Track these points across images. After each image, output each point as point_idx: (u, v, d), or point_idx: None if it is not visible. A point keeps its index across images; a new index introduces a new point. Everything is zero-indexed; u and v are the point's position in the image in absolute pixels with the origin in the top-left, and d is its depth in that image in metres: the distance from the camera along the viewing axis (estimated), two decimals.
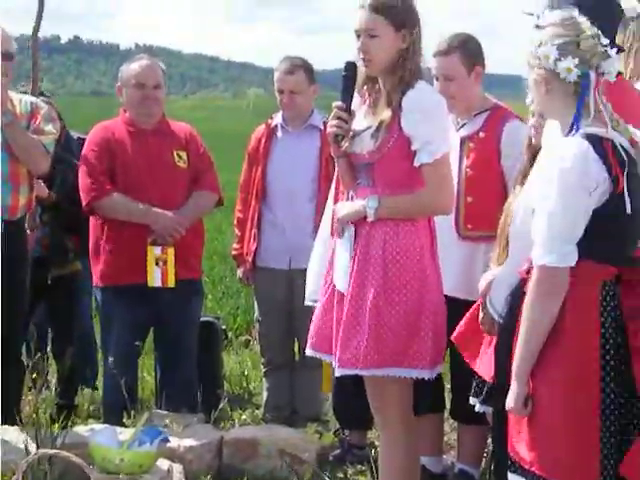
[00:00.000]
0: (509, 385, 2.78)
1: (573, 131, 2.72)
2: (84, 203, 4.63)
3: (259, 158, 4.98)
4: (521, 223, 3.05)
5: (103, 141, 4.66)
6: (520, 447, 2.76)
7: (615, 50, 2.80)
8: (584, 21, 2.78)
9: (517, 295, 2.87)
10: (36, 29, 5.19)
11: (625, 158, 2.69)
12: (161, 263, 4.52)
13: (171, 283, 4.54)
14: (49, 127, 4.55)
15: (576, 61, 2.71)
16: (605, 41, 2.77)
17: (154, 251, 4.52)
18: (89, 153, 4.66)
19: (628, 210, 2.66)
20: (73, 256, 5.13)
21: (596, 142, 2.67)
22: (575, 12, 2.81)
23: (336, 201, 3.54)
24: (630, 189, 2.66)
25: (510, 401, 2.76)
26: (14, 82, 4.83)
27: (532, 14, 2.94)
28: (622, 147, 2.70)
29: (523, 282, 2.82)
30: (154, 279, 4.53)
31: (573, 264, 2.68)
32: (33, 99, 4.69)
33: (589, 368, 2.68)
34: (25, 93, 4.97)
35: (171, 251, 4.53)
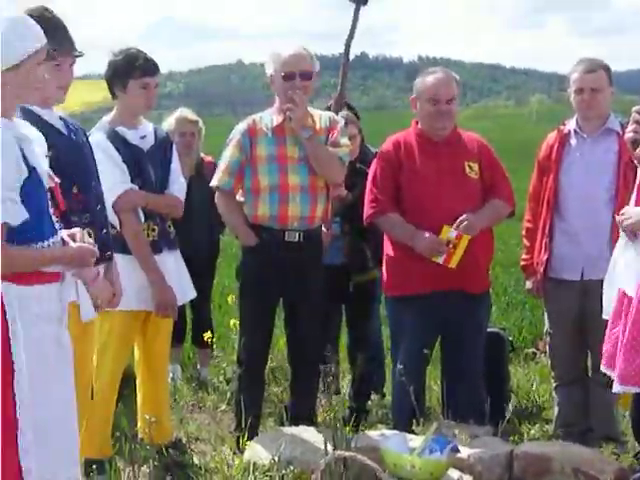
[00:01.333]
0: None
1: None
2: (365, 216, 4.76)
3: (551, 166, 4.86)
4: None
5: (391, 156, 4.73)
6: None
7: None
8: None
9: None
10: (348, 44, 5.33)
11: None
12: (451, 245, 4.54)
13: (453, 264, 4.54)
14: (345, 140, 4.72)
15: None
16: None
17: (448, 233, 4.54)
18: (377, 169, 4.76)
19: None
20: (372, 264, 5.27)
21: None
22: None
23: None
24: None
25: None
26: (312, 99, 5.02)
27: None
28: None
29: None
30: (439, 255, 4.55)
31: None
32: (331, 114, 4.88)
33: None
34: (328, 108, 5.19)
35: (465, 238, 4.53)
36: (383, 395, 5.63)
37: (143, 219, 4.39)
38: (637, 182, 3.47)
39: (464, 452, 4.08)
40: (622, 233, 3.87)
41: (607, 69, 4.81)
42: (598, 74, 4.76)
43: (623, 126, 4.63)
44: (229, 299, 6.23)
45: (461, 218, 4.54)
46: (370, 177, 4.79)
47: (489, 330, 5.14)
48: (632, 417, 4.40)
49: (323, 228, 4.87)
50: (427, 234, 4.54)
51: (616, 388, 3.17)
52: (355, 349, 5.45)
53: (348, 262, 5.21)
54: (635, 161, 3.27)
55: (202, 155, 6.24)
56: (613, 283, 3.85)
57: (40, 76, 3.04)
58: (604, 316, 3.75)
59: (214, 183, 4.75)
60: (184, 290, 4.58)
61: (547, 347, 5.17)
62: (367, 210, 4.74)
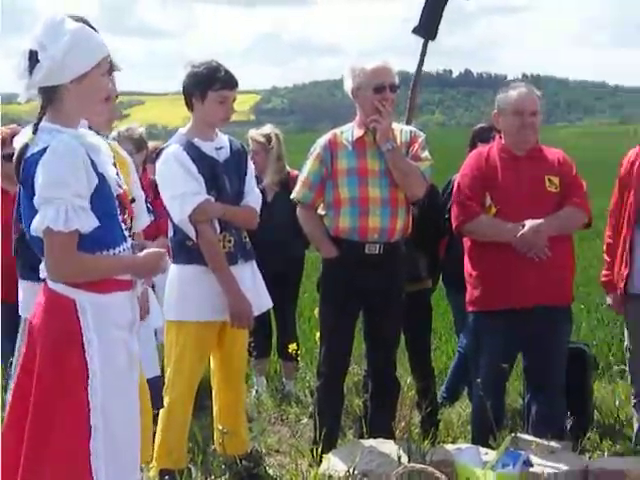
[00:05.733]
0: None
1: None
2: (454, 226, 4.78)
3: (632, 182, 4.84)
4: None
5: (476, 167, 4.77)
6: None
7: None
8: None
9: None
10: (418, 74, 5.43)
11: None
12: None
13: None
14: (425, 154, 4.75)
15: None
16: None
17: None
18: (462, 179, 4.80)
19: None
20: (424, 274, 5.30)
21: None
22: None
23: None
24: None
25: None
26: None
27: None
28: None
29: None
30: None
31: None
32: (412, 128, 4.93)
33: None
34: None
35: None
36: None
37: (219, 230, 4.42)
38: None
39: (539, 467, 4.07)
40: None
41: None
42: None
43: None
44: (316, 312, 6.30)
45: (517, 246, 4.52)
46: (455, 188, 4.83)
47: (573, 346, 5.10)
48: None
49: None
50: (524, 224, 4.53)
51: None
52: (413, 361, 5.45)
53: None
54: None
55: (289, 170, 6.32)
56: None
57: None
58: None
59: (294, 196, 4.83)
60: (260, 301, 4.60)
61: (627, 363, 5.11)
62: (456, 219, 4.75)
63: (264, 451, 5.04)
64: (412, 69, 6.07)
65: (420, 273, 5.29)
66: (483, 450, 4.22)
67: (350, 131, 4.76)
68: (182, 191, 4.29)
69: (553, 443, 4.41)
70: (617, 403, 5.74)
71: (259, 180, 5.68)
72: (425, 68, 5.95)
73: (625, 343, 5.11)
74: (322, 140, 4.78)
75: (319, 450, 4.51)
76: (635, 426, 5.03)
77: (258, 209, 4.61)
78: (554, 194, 4.67)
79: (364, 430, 4.79)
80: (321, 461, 4.38)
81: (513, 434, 4.33)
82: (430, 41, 5.50)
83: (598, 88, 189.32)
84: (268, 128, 6.35)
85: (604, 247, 5.12)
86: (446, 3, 5.79)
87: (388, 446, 4.38)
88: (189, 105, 4.45)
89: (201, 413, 4.98)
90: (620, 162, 5.00)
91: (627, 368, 5.20)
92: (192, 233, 4.36)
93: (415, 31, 5.54)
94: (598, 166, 20.89)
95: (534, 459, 4.14)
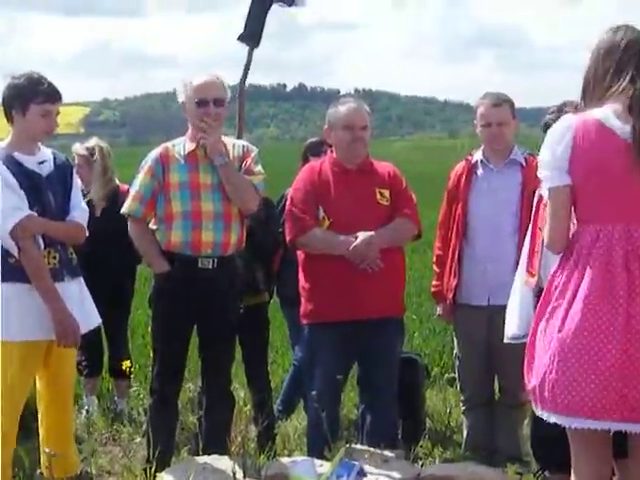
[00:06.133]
0: None
1: None
2: (288, 239, 4.79)
3: (459, 195, 5.01)
4: None
5: (309, 181, 4.80)
6: None
7: None
8: None
9: None
10: (242, 82, 5.45)
11: None
12: None
13: None
14: (258, 168, 4.75)
15: None
16: None
17: None
18: (295, 193, 4.82)
19: None
20: (263, 286, 5.31)
21: None
22: None
23: (533, 237, 3.50)
24: None
25: None
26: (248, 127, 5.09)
27: None
28: None
29: None
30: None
31: None
32: (245, 142, 4.92)
33: None
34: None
35: None
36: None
37: (43, 246, 4.29)
38: (532, 213, 3.61)
39: (372, 476, 4.12)
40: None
41: (511, 103, 5.00)
42: (503, 108, 4.95)
43: (526, 159, 4.90)
44: (149, 328, 6.19)
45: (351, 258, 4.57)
46: (289, 202, 4.84)
47: (404, 356, 5.21)
48: (530, 437, 4.54)
49: None
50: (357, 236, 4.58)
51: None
52: (253, 374, 5.44)
53: (240, 285, 5.20)
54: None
55: (118, 184, 6.20)
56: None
57: None
58: (505, 340, 3.88)
59: (124, 210, 4.74)
60: (88, 318, 4.49)
61: (456, 371, 5.27)
62: (290, 231, 4.76)
63: (95, 473, 4.89)
64: (253, 81, 6.07)
65: (258, 286, 5.28)
66: (318, 462, 4.23)
67: (182, 144, 4.71)
68: (2, 207, 4.13)
69: (386, 452, 4.47)
70: (448, 410, 5.91)
71: (84, 194, 5.56)
72: (259, 82, 6.02)
73: (455, 351, 5.27)
74: (153, 153, 4.71)
75: (152, 469, 4.41)
76: (464, 432, 5.19)
77: (84, 224, 4.49)
78: (385, 207, 4.75)
79: (199, 447, 4.73)
80: None
81: (347, 445, 4.37)
82: (255, 48, 5.53)
83: (428, 103, 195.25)
84: (93, 141, 6.24)
85: (434, 258, 5.26)
86: (269, 10, 5.84)
87: (223, 462, 4.33)
88: (9, 118, 4.31)
89: (27, 436, 4.78)
90: (448, 175, 5.16)
91: (457, 376, 5.35)
92: (14, 250, 4.21)
93: (240, 39, 5.56)
94: (429, 179, 21.54)
95: (368, 469, 4.19)
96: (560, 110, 4.21)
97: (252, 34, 5.57)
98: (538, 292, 4.05)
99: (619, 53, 3.15)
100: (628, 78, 3.11)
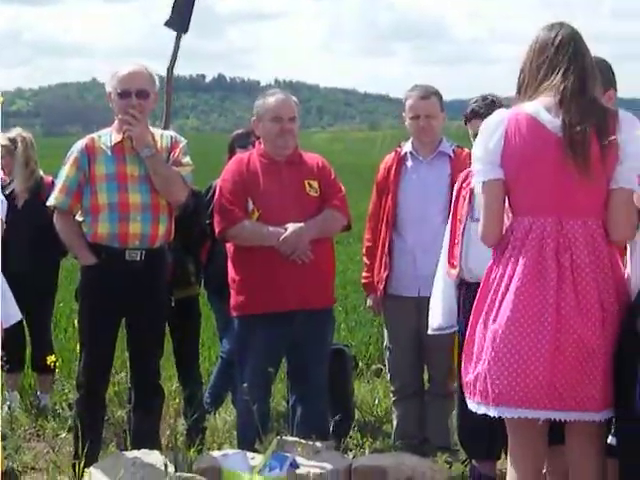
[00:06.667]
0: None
1: None
2: (217, 231, 4.76)
3: (389, 186, 5.03)
4: None
5: (237, 173, 4.78)
6: None
7: None
8: None
9: None
10: (170, 69, 5.38)
11: None
12: None
13: None
14: (187, 159, 4.70)
15: None
16: None
17: None
18: (224, 185, 4.79)
19: None
20: (194, 279, 5.28)
21: None
22: None
23: (453, 228, 3.55)
24: None
25: None
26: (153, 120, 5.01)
27: None
28: None
29: None
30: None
31: None
32: (173, 133, 4.86)
33: None
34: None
35: None
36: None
37: None
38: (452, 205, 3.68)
39: (305, 468, 4.13)
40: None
41: (439, 95, 5.04)
42: (431, 101, 4.99)
43: (455, 151, 4.97)
44: (75, 322, 6.09)
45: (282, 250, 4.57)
46: (217, 194, 4.81)
47: (333, 347, 5.22)
48: (457, 427, 4.59)
49: None
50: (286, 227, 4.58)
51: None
52: (186, 366, 5.40)
53: (171, 278, 5.16)
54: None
55: (42, 175, 6.08)
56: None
57: None
58: (429, 332, 3.94)
59: (50, 202, 4.65)
60: (8, 313, 4.41)
61: (386, 362, 5.31)
62: (219, 223, 4.73)
63: (20, 469, 4.81)
64: (179, 73, 5.99)
65: (189, 278, 5.24)
66: (250, 455, 4.23)
67: (108, 136, 4.64)
68: None
69: (318, 443, 4.48)
70: (376, 401, 5.95)
71: (5, 185, 5.46)
72: (178, 72, 5.89)
73: (385, 343, 5.30)
74: (79, 144, 4.63)
75: (81, 465, 4.35)
76: (394, 423, 5.23)
77: (2, 217, 4.40)
78: (314, 198, 4.75)
79: (127, 441, 4.67)
80: (83, 476, 4.23)
81: (279, 437, 4.37)
82: (183, 34, 5.43)
83: (349, 95, 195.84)
84: (15, 131, 6.11)
85: (363, 250, 5.29)
86: None
87: (154, 457, 4.29)
88: None
89: None
90: (377, 167, 5.18)
91: (386, 366, 5.39)
92: None
93: (167, 24, 5.46)
94: (350, 170, 21.65)
95: (300, 460, 4.20)
96: (485, 99, 4.26)
97: (180, 18, 5.45)
98: (459, 283, 4.13)
99: (552, 49, 3.21)
100: (560, 74, 3.16)
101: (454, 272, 4.06)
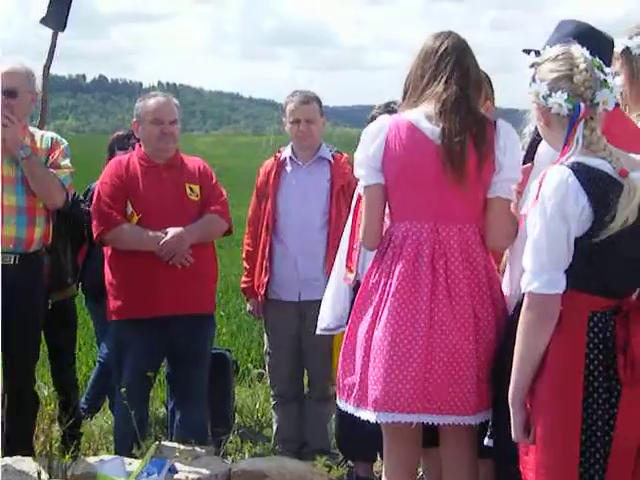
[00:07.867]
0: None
1: (561, 160, 2.77)
2: (95, 235, 4.70)
3: (269, 191, 5.04)
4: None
5: (116, 176, 4.72)
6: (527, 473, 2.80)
7: (617, 79, 2.86)
8: (580, 54, 2.83)
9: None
10: (47, 68, 5.27)
11: (610, 187, 2.70)
12: None
13: None
14: (66, 162, 4.62)
15: (565, 95, 2.77)
16: (607, 70, 2.83)
17: None
18: (102, 187, 4.73)
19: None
20: (71, 280, 5.20)
21: (580, 170, 2.70)
22: (574, 46, 2.86)
23: (352, 233, 3.61)
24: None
25: (512, 430, 2.79)
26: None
27: (532, 51, 3.00)
28: (609, 176, 2.72)
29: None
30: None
31: (560, 291, 2.70)
32: (54, 135, 4.76)
33: (571, 401, 2.70)
34: None
35: None
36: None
37: None
38: (352, 210, 3.72)
39: (183, 473, 4.11)
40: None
41: (319, 101, 5.10)
42: (312, 106, 5.04)
43: (334, 156, 5.01)
44: None
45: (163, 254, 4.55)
46: (95, 197, 4.75)
47: (214, 351, 5.21)
48: (335, 430, 4.67)
49: None
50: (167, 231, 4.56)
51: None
52: (63, 370, 5.30)
53: (48, 279, 5.06)
54: None
55: None
56: None
57: None
58: (317, 332, 3.97)
59: None
60: None
61: (267, 367, 5.32)
62: (97, 227, 4.67)
63: None
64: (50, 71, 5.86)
65: (66, 279, 5.14)
66: (127, 460, 4.18)
67: None
68: None
69: (197, 448, 4.48)
70: (257, 405, 5.96)
71: None
72: (57, 72, 5.75)
73: (265, 347, 5.31)
74: None
75: None
76: (274, 427, 5.24)
77: None
78: (195, 202, 4.74)
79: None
80: None
81: (157, 442, 4.33)
82: (60, 32, 5.32)
83: (234, 99, 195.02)
84: None
85: (243, 254, 5.28)
86: None
87: (27, 464, 4.22)
88: None
89: None
90: (257, 171, 5.20)
91: (267, 371, 5.40)
92: None
93: (43, 21, 5.34)
94: (234, 175, 21.57)
95: (179, 465, 4.18)
96: (387, 105, 4.30)
97: (56, 16, 5.34)
98: (356, 286, 4.16)
99: (437, 58, 3.25)
100: (442, 82, 3.22)
101: (351, 276, 4.08)
